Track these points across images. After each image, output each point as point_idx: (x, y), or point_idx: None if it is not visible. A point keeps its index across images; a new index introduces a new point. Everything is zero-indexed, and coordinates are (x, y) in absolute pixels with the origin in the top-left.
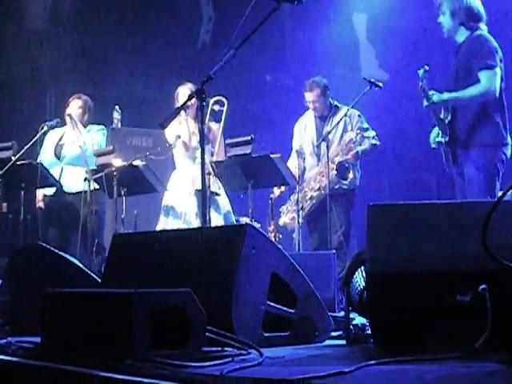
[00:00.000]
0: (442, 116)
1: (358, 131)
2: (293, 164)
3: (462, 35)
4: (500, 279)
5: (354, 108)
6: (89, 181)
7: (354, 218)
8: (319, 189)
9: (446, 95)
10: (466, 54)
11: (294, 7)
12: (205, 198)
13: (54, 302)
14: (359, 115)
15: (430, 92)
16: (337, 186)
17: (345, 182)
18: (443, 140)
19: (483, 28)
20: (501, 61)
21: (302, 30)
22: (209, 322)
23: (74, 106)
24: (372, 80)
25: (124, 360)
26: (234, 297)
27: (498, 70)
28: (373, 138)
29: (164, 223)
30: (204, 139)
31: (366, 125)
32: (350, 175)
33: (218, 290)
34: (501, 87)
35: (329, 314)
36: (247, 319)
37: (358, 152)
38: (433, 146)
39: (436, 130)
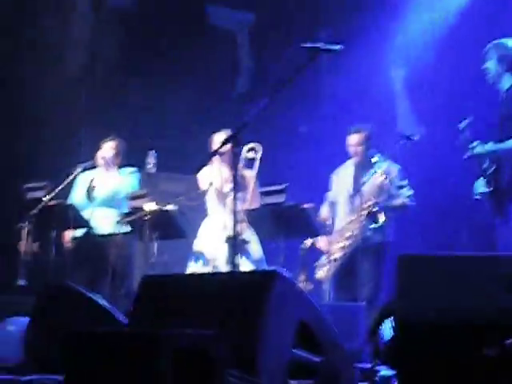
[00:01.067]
0: (486, 166)
1: (386, 176)
2: (324, 213)
3: (507, 82)
4: None
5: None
6: (121, 224)
7: (384, 272)
8: (350, 237)
9: (489, 145)
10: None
11: (331, 57)
12: (235, 245)
13: (80, 341)
14: (399, 170)
15: (474, 143)
16: (369, 233)
17: (376, 225)
18: (487, 190)
19: None
20: None
21: (340, 82)
22: (234, 366)
23: (107, 148)
24: (407, 134)
25: None
26: (260, 342)
27: None
28: (407, 196)
29: (193, 269)
30: (236, 185)
31: (404, 182)
32: (382, 218)
33: (244, 333)
34: None
35: (355, 364)
36: (272, 365)
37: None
38: (476, 196)
39: (480, 180)
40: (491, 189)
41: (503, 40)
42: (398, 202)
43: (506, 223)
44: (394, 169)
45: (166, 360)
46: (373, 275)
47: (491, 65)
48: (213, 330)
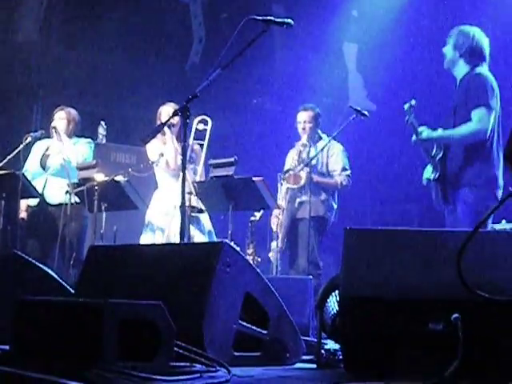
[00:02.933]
0: (433, 153)
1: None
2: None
3: (461, 70)
4: (473, 309)
5: (338, 136)
6: (70, 194)
7: (326, 245)
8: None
9: (436, 133)
10: (464, 91)
11: (284, 33)
12: (184, 216)
13: (26, 309)
14: (343, 150)
15: (420, 128)
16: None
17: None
18: (433, 177)
19: (484, 67)
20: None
21: (292, 57)
22: (179, 337)
23: (59, 118)
24: (358, 109)
25: (91, 369)
26: (206, 313)
27: (493, 109)
28: (345, 175)
29: (145, 240)
30: (186, 157)
31: (346, 162)
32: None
33: (190, 305)
34: (496, 128)
35: (302, 337)
36: (218, 337)
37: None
38: (424, 182)
39: (429, 167)
40: (437, 176)
41: (465, 27)
42: (331, 180)
43: (451, 210)
44: (340, 147)
45: (112, 330)
46: (311, 245)
47: (448, 50)
48: (160, 300)
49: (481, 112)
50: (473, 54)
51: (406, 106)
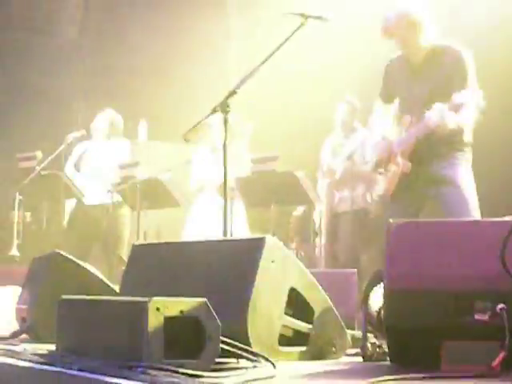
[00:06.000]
0: None
1: None
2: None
3: None
4: None
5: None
6: (111, 193)
7: (366, 237)
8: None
9: None
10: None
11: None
12: (226, 211)
13: (69, 308)
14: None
15: None
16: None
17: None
18: None
19: None
20: None
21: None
22: (224, 333)
23: (100, 119)
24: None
25: (137, 367)
26: (251, 309)
27: None
28: None
29: (187, 237)
30: (226, 153)
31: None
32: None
33: (234, 301)
34: None
35: (347, 331)
36: (263, 332)
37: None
38: None
39: None
40: None
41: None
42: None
43: None
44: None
45: (157, 328)
46: (353, 239)
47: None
48: (204, 297)
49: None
50: None
51: None
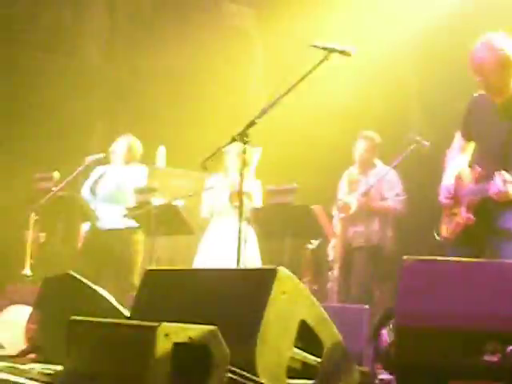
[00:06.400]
0: None
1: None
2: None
3: None
4: None
5: (397, 166)
6: (127, 218)
7: (382, 274)
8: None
9: None
10: None
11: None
12: (240, 241)
13: (80, 329)
14: (397, 176)
15: None
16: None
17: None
18: None
19: None
20: None
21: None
22: (233, 363)
23: (119, 144)
24: (418, 138)
25: None
26: (260, 339)
27: None
28: (399, 201)
29: (200, 264)
30: (243, 183)
31: (400, 187)
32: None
33: (244, 331)
34: None
35: (356, 366)
36: (271, 363)
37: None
38: None
39: None
40: None
41: None
42: (385, 204)
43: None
44: (394, 175)
45: (165, 353)
46: (365, 275)
47: None
48: (213, 325)
49: None
50: None
51: None
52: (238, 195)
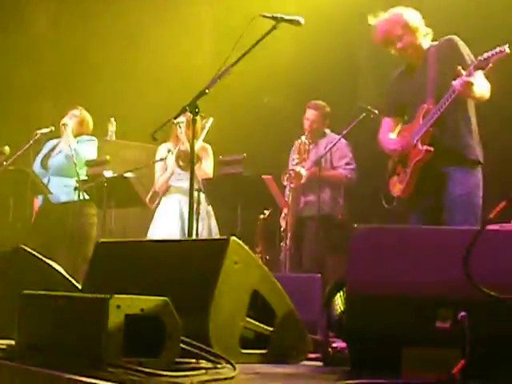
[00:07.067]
0: None
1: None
2: None
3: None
4: (480, 308)
5: (347, 135)
6: (79, 191)
7: (334, 243)
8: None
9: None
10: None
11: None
12: (192, 212)
13: (30, 303)
14: (347, 145)
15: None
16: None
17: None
18: None
19: None
20: None
21: (302, 55)
22: (186, 333)
23: (70, 116)
24: (368, 107)
25: (95, 364)
26: (213, 310)
27: None
28: (351, 169)
29: (154, 236)
30: (194, 154)
31: (350, 156)
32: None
33: (197, 301)
34: None
35: (309, 335)
36: (224, 333)
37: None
38: None
39: None
40: None
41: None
42: (336, 173)
43: None
44: (343, 142)
45: (117, 325)
46: (318, 244)
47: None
48: (166, 296)
49: None
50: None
51: None
52: (190, 166)
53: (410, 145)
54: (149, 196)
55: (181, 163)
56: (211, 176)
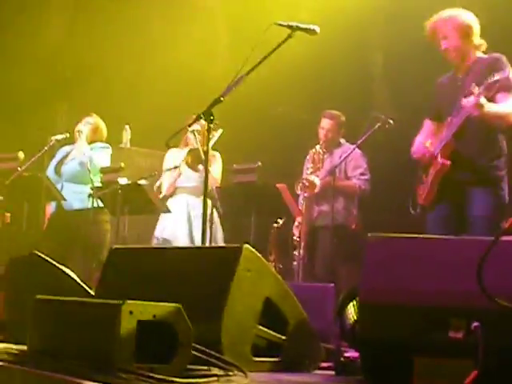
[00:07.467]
0: None
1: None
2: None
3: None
4: (493, 318)
5: (362, 145)
6: (93, 197)
7: (348, 253)
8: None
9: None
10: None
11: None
12: (205, 219)
13: (43, 309)
14: (362, 155)
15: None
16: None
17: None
18: None
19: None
20: None
21: (316, 64)
22: (198, 341)
23: (85, 123)
24: (382, 116)
25: (107, 370)
26: (225, 317)
27: None
28: (365, 180)
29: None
30: (208, 162)
31: (364, 167)
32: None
33: (209, 308)
34: None
35: (322, 344)
36: (236, 341)
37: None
38: None
39: None
40: None
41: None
42: (350, 183)
43: None
44: (358, 152)
45: (129, 331)
46: (330, 253)
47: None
48: (179, 303)
49: None
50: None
51: None
52: (204, 171)
53: (433, 155)
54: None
55: (189, 161)
56: (219, 182)
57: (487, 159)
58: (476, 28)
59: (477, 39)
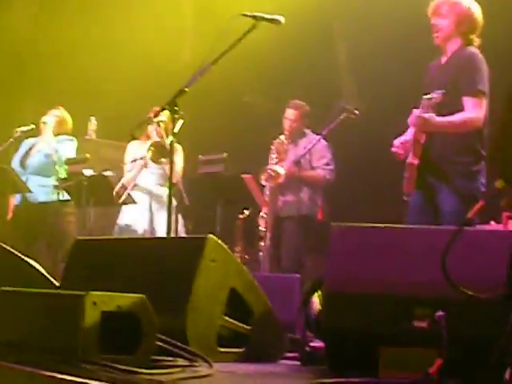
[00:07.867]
0: None
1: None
2: None
3: (453, 47)
4: (458, 308)
5: (327, 135)
6: (58, 189)
7: (310, 244)
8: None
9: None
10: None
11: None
12: (170, 210)
13: (8, 300)
14: (326, 146)
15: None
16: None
17: None
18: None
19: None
20: None
21: (282, 54)
22: (163, 332)
23: (51, 115)
24: (348, 107)
25: (71, 361)
26: (190, 307)
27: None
28: (330, 170)
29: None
30: (173, 153)
31: (329, 157)
32: None
33: (174, 299)
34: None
35: (287, 334)
36: (201, 331)
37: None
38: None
39: None
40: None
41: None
42: (314, 173)
43: None
44: (321, 143)
45: (93, 322)
46: (296, 243)
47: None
48: (144, 294)
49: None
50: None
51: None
52: (169, 162)
53: (407, 152)
54: (115, 192)
55: (152, 154)
56: (181, 174)
57: (453, 157)
58: (476, 22)
59: (472, 33)
